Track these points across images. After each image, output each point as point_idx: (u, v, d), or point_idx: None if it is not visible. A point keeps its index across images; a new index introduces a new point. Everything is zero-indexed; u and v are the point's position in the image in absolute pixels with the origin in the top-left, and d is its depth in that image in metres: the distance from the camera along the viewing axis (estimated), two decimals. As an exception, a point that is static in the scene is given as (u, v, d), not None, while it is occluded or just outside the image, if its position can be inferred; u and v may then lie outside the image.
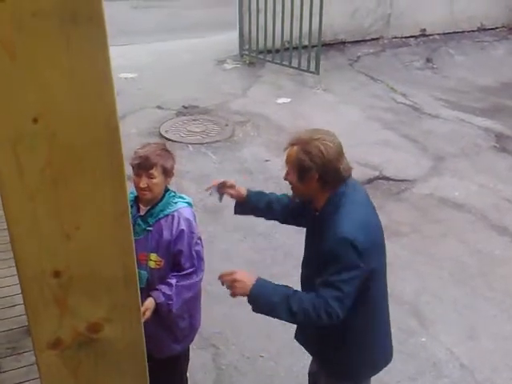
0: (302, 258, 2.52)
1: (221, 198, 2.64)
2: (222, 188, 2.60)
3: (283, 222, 2.71)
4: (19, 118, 0.90)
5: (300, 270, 2.52)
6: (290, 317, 2.15)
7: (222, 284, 2.22)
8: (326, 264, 2.14)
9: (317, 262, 2.24)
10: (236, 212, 2.70)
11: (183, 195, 2.74)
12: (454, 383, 3.38)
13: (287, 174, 2.29)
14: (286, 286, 2.22)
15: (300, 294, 2.18)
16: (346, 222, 2.13)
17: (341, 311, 2.11)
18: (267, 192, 2.71)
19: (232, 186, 2.60)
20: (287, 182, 2.34)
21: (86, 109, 0.94)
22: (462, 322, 3.84)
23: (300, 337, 2.63)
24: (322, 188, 2.22)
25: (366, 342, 2.40)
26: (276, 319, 2.22)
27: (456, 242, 4.65)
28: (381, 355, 2.51)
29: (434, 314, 3.90)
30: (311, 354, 2.65)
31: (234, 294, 2.19)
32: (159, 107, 7.03)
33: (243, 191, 2.61)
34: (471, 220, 4.95)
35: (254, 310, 2.21)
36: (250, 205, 2.61)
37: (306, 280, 2.45)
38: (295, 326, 3.68)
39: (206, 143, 6.22)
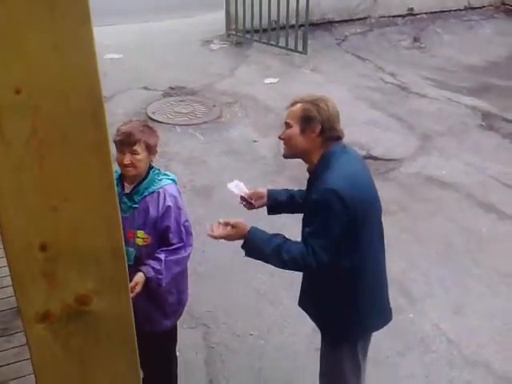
0: (291, 237, 2.55)
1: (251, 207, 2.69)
2: (249, 203, 2.64)
3: None
4: (1, 89, 0.89)
5: None
6: (281, 264, 2.36)
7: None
8: (314, 215, 2.31)
9: (305, 216, 2.40)
10: (269, 213, 2.77)
11: (167, 172, 2.75)
12: (441, 358, 3.44)
13: (287, 127, 2.38)
14: (278, 234, 2.39)
15: (290, 244, 2.34)
16: (333, 176, 2.28)
17: (327, 258, 2.28)
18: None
19: (259, 197, 2.65)
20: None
21: (70, 80, 0.93)
22: (450, 298, 3.89)
23: (302, 302, 2.71)
24: (320, 143, 2.35)
25: (362, 302, 2.50)
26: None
27: (443, 220, 4.69)
28: (375, 317, 2.59)
29: (421, 291, 3.95)
30: (311, 318, 2.71)
31: (228, 240, 2.42)
32: (146, 88, 6.97)
33: (265, 194, 2.67)
34: (458, 198, 4.99)
35: (246, 255, 2.40)
36: (273, 200, 2.67)
37: None
38: (284, 304, 3.72)
39: (194, 124, 6.18)
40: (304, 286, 2.66)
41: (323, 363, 2.74)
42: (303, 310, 2.71)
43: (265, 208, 2.73)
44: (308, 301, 2.65)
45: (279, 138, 2.45)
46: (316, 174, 2.37)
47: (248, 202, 2.62)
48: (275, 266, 2.39)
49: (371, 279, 2.51)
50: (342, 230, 2.28)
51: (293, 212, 2.74)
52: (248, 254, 2.40)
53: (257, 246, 2.35)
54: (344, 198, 2.23)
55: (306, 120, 2.32)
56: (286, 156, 2.49)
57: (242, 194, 2.61)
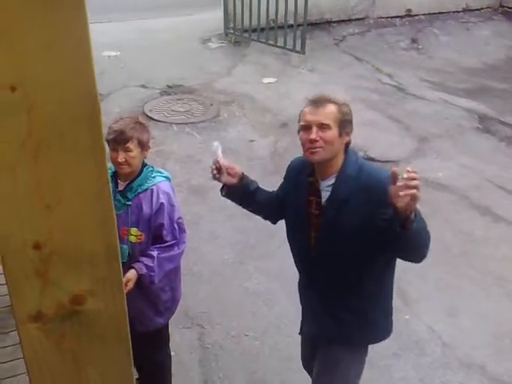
0: (287, 240, 2.54)
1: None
2: (219, 173, 2.47)
3: (267, 213, 2.68)
4: (-4, 86, 0.88)
5: (292, 257, 2.54)
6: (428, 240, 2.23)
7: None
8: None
9: (366, 232, 2.21)
10: (225, 194, 2.58)
11: (161, 170, 2.76)
12: (436, 360, 3.44)
13: (325, 129, 2.19)
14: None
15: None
16: (382, 172, 2.24)
17: None
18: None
19: (231, 174, 2.49)
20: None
21: (65, 79, 0.92)
22: (444, 300, 3.90)
23: (312, 328, 2.58)
24: (345, 147, 2.31)
25: (386, 307, 2.53)
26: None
27: (439, 223, 4.69)
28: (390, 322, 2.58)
29: (417, 292, 3.96)
30: (325, 333, 2.54)
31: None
32: (143, 86, 6.96)
33: (239, 175, 2.51)
34: (454, 200, 5.00)
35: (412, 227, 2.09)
36: (241, 185, 2.51)
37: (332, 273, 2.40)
38: (280, 304, 3.67)
39: (191, 123, 6.17)
40: (328, 301, 2.48)
41: (332, 370, 2.58)
42: (316, 333, 2.56)
43: (280, 225, 2.62)
44: (336, 311, 2.47)
45: (313, 139, 2.20)
46: (345, 178, 2.26)
47: (218, 171, 2.45)
48: (426, 243, 2.22)
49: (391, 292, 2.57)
50: None
51: (248, 205, 2.62)
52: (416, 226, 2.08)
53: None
54: None
55: (344, 123, 2.23)
56: (319, 161, 2.27)
57: (219, 160, 2.44)
